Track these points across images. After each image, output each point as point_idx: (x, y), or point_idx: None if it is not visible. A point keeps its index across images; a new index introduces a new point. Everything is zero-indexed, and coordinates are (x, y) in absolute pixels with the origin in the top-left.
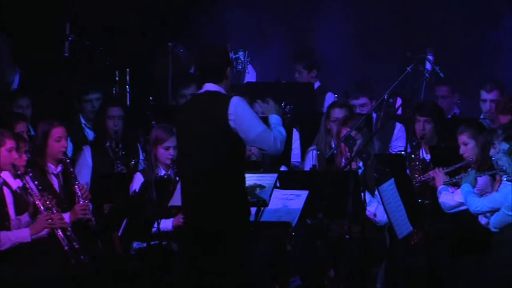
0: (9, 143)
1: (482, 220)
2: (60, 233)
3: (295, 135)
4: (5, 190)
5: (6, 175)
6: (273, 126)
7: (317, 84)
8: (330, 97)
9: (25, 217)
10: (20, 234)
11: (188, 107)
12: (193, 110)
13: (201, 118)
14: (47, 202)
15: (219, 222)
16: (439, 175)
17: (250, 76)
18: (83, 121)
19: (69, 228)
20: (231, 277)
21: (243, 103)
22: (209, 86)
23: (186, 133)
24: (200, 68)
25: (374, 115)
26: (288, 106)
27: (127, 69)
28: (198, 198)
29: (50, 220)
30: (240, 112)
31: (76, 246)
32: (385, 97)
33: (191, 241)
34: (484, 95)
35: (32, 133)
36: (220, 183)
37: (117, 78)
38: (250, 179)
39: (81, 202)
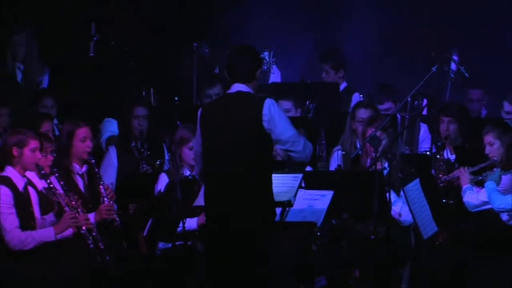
0: (33, 143)
1: (504, 216)
2: (85, 230)
3: None
4: (31, 190)
5: (32, 175)
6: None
7: (344, 85)
8: (356, 98)
9: (50, 217)
10: (45, 233)
11: (219, 106)
12: (225, 109)
13: (233, 118)
14: (73, 202)
15: (248, 222)
16: (464, 175)
17: (275, 76)
18: None
19: (94, 229)
20: (256, 277)
21: (276, 104)
22: (240, 87)
23: (215, 131)
24: (230, 68)
25: (399, 115)
26: (311, 104)
27: (151, 89)
28: (226, 197)
29: (74, 219)
30: (274, 113)
31: (102, 247)
32: (409, 99)
33: (216, 241)
34: (507, 107)
35: (57, 133)
36: (250, 183)
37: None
38: (276, 179)
39: (106, 202)
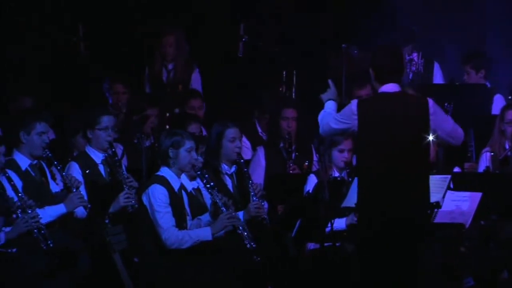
0: (188, 144)
1: None
2: (242, 230)
3: None
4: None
5: (181, 177)
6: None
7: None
8: (498, 99)
9: (205, 217)
10: (201, 232)
11: (381, 104)
12: (390, 108)
13: (401, 118)
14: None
15: (410, 225)
16: None
17: (437, 77)
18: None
19: (246, 227)
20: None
21: (435, 103)
22: (395, 87)
23: (379, 129)
24: (383, 68)
25: None
26: (447, 105)
27: (294, 71)
28: (388, 198)
29: (231, 219)
30: (438, 112)
31: (254, 246)
32: None
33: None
34: None
35: (204, 133)
36: (418, 182)
37: (283, 79)
38: None
39: (255, 201)
